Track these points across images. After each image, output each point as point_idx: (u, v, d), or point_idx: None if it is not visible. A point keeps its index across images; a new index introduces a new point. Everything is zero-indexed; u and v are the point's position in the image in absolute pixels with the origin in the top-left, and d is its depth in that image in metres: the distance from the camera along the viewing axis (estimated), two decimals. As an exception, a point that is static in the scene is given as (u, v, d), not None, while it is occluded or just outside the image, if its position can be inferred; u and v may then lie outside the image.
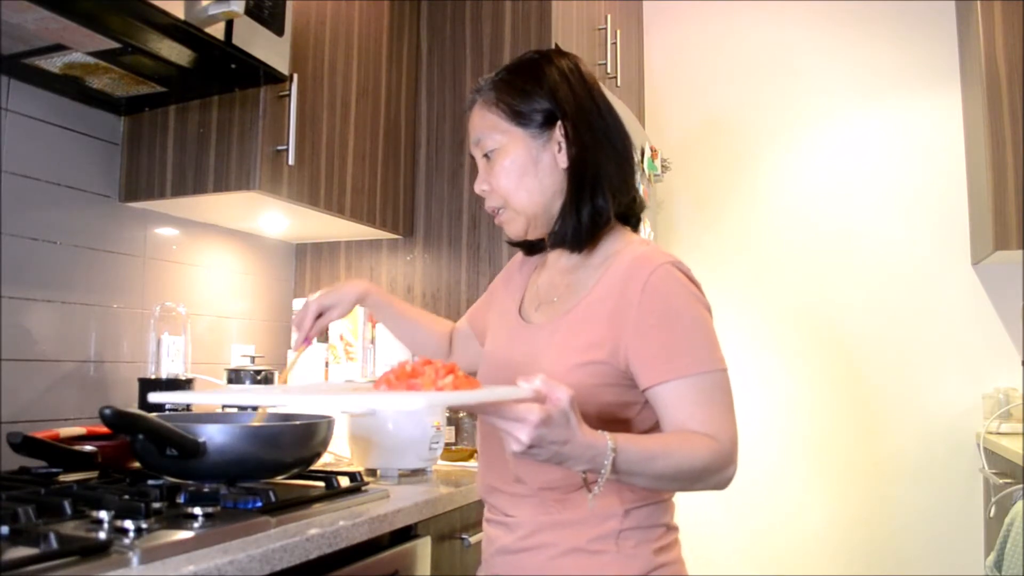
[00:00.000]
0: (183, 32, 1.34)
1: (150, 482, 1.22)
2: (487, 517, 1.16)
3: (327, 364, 2.05)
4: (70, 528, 0.97)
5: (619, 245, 1.11)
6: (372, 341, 2.07)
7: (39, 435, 1.27)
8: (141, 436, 1.14)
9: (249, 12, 1.43)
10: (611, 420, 1.02)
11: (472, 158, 1.18)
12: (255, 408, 1.46)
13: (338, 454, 1.72)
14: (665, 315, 1.01)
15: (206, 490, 1.15)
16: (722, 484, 0.99)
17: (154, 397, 0.96)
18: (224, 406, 1.53)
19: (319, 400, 1.07)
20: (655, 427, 1.04)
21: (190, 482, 1.21)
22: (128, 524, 0.96)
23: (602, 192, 1.09)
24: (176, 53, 1.42)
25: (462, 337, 1.41)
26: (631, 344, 1.01)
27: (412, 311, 1.45)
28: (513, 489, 1.08)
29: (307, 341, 1.35)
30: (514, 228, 1.14)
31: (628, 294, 1.02)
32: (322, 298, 1.35)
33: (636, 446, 0.90)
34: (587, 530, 1.02)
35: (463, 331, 1.41)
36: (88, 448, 1.32)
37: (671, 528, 1.09)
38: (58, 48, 1.37)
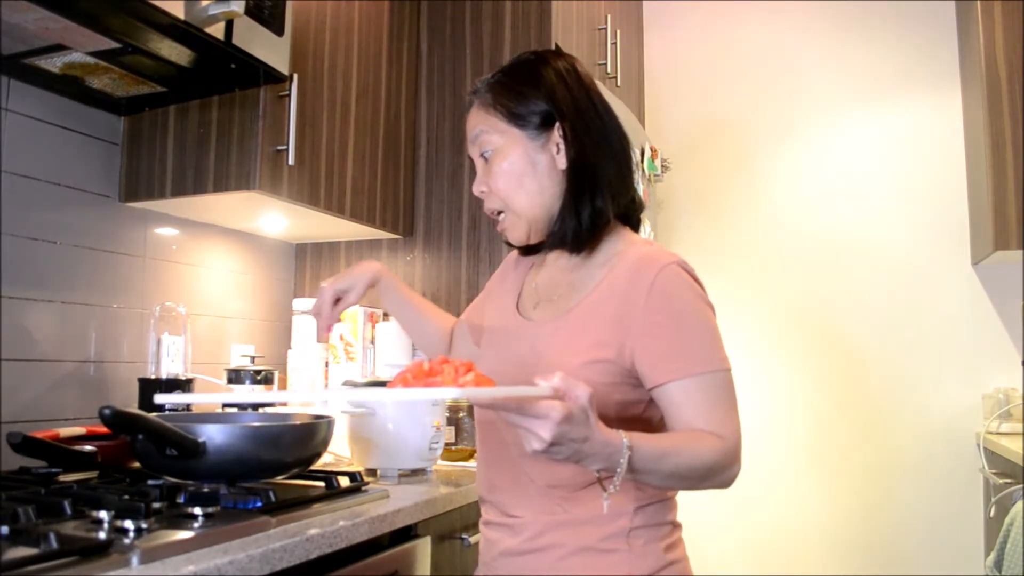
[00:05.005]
0: (183, 32, 1.34)
1: (150, 482, 1.22)
2: (486, 520, 1.14)
3: (327, 364, 2.05)
4: (70, 528, 0.97)
5: (622, 245, 1.11)
6: (372, 341, 2.07)
7: (39, 435, 1.27)
8: (141, 436, 1.14)
9: (249, 12, 1.43)
10: (619, 418, 1.01)
11: (471, 159, 1.18)
12: (256, 407, 1.47)
13: (338, 454, 1.72)
14: (671, 315, 1.01)
15: (206, 490, 1.15)
16: (727, 483, 0.99)
17: (189, 398, 0.96)
18: (224, 405, 1.53)
19: (347, 396, 1.09)
20: (660, 424, 1.04)
21: (190, 482, 1.21)
22: (128, 524, 0.96)
23: (601, 193, 1.09)
24: (176, 53, 1.42)
25: (461, 334, 1.40)
26: (637, 344, 1.01)
27: (419, 300, 1.44)
28: (517, 487, 1.07)
29: (329, 329, 1.33)
30: (516, 234, 1.14)
31: (634, 294, 1.02)
32: (336, 282, 1.30)
33: (649, 444, 0.90)
34: (597, 529, 1.02)
35: (461, 328, 1.40)
36: (88, 448, 1.32)
37: (676, 525, 1.09)
38: (58, 48, 1.37)
